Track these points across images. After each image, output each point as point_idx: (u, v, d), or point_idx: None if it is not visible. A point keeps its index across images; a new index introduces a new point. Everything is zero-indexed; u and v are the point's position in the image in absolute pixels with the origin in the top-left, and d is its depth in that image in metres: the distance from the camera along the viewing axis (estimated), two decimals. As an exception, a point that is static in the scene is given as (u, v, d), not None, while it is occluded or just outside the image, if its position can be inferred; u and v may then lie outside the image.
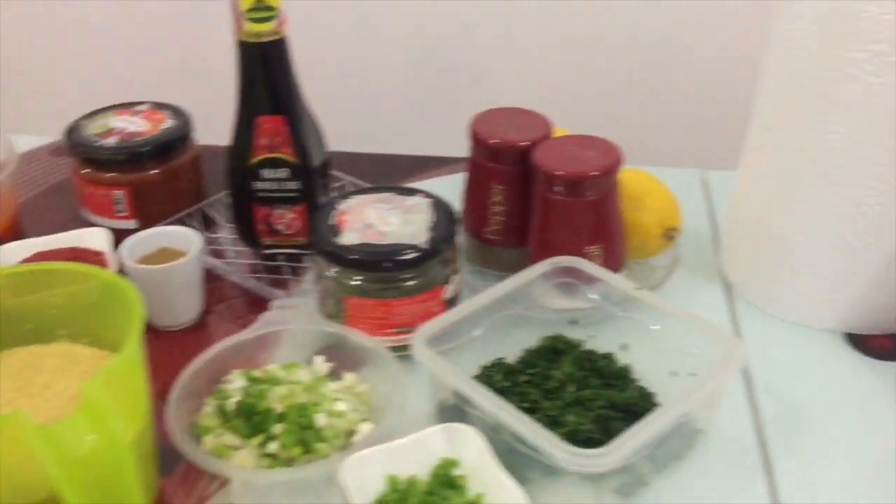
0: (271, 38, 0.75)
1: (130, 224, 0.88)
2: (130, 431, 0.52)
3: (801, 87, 0.70)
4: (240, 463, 0.61)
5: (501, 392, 0.62)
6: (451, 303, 0.74)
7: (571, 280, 0.72)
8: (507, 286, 0.69)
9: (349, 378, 0.69)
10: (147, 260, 0.77)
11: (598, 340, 0.71)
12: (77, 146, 0.86)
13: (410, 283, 0.70)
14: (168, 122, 0.89)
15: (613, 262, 0.74)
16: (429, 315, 0.72)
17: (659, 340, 0.69)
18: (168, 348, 0.75)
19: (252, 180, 0.81)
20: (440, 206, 0.74)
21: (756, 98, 0.77)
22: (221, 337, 0.69)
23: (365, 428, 0.64)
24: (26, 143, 1.06)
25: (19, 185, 0.98)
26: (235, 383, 0.67)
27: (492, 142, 0.76)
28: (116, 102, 0.93)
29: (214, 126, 0.88)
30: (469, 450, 0.60)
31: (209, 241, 0.85)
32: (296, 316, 0.72)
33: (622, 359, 0.69)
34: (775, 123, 0.74)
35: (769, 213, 0.76)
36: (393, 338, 0.72)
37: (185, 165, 0.90)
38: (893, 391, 0.70)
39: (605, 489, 0.60)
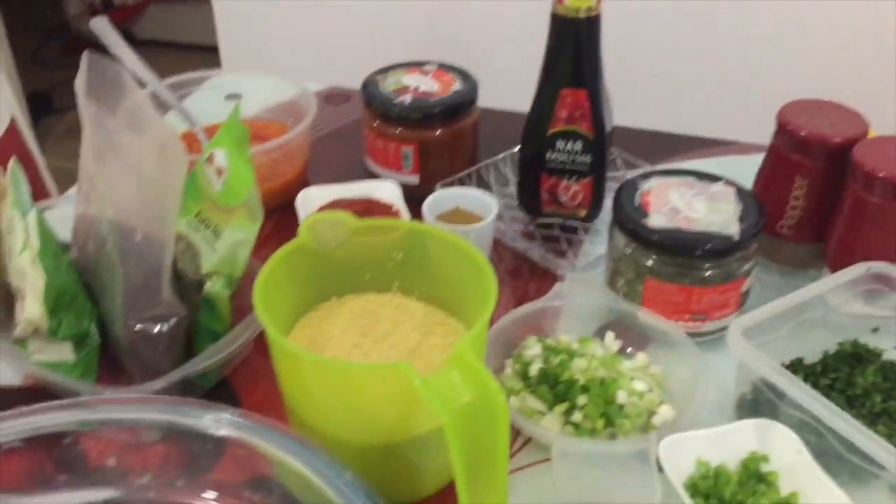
0: (588, 15, 0.76)
1: (413, 179, 0.91)
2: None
3: None
4: (547, 427, 0.64)
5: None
6: (745, 295, 0.73)
7: (881, 287, 0.70)
8: (818, 288, 0.68)
9: (641, 358, 0.70)
10: (442, 218, 0.81)
11: (901, 351, 0.69)
12: (374, 100, 0.90)
13: (714, 272, 0.70)
14: (457, 85, 0.92)
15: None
16: (724, 305, 0.72)
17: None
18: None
19: (545, 150, 0.82)
20: (745, 196, 0.73)
21: None
22: (502, 301, 0.71)
23: (664, 411, 0.65)
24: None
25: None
26: (532, 349, 0.69)
27: (802, 134, 0.74)
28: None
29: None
30: (781, 447, 0.60)
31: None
32: (589, 290, 0.73)
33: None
34: None
35: None
36: (687, 324, 0.72)
37: (468, 127, 0.92)
38: None
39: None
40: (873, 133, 0.77)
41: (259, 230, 0.66)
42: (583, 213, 0.85)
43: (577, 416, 0.64)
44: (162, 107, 0.93)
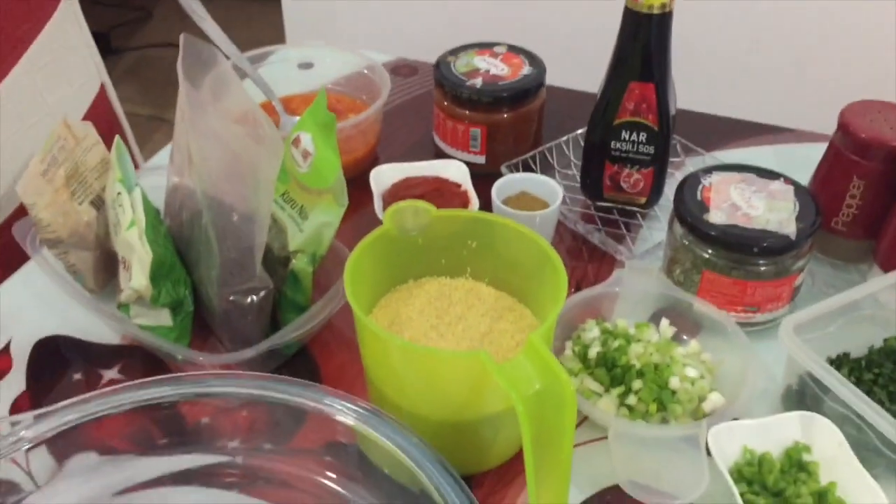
0: (661, 11, 0.79)
1: (480, 159, 0.96)
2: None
3: None
4: (604, 409, 0.68)
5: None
6: (797, 289, 0.77)
7: (930, 288, 0.73)
8: (870, 287, 0.71)
9: (694, 345, 0.74)
10: (509, 202, 0.85)
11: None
12: (445, 82, 0.94)
13: (769, 268, 0.73)
14: (525, 69, 0.95)
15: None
16: (777, 298, 0.76)
17: None
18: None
19: (611, 139, 0.86)
20: (802, 195, 0.76)
21: None
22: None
23: (714, 398, 0.69)
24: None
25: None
26: (591, 332, 0.74)
27: (862, 136, 0.77)
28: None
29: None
30: (823, 439, 0.64)
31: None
32: (647, 277, 0.78)
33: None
34: None
35: None
36: (739, 314, 0.76)
37: (534, 110, 0.96)
38: None
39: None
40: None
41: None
42: (643, 200, 0.89)
43: (631, 400, 0.69)
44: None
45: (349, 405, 0.56)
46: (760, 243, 0.72)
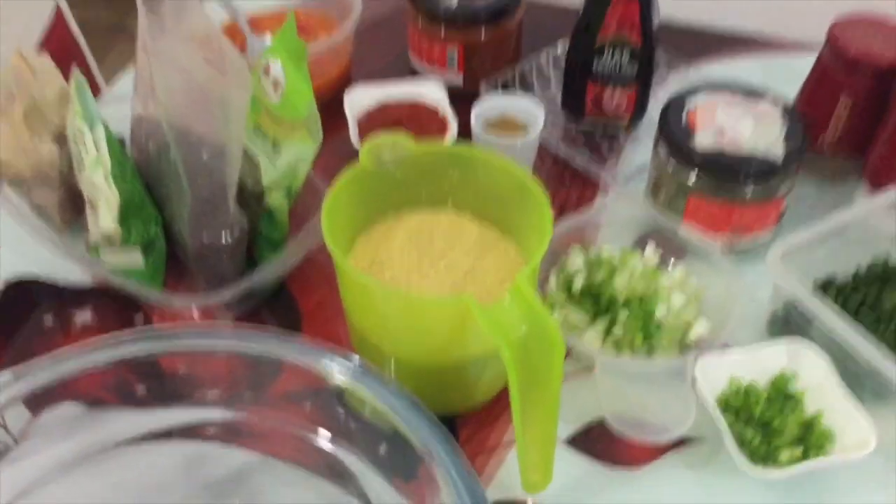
0: (645, -78, 0.75)
1: (458, 79, 0.92)
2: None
3: None
4: (589, 343, 0.68)
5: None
6: (783, 213, 0.75)
7: (917, 208, 0.72)
8: (859, 211, 0.70)
9: (679, 272, 0.73)
10: (488, 128, 0.82)
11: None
12: (421, 1, 0.90)
13: (756, 191, 0.72)
14: (503, -16, 0.91)
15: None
16: (762, 222, 0.74)
17: None
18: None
19: (593, 58, 0.83)
20: (790, 116, 0.74)
21: None
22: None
23: (700, 325, 0.69)
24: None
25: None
26: (575, 263, 0.72)
27: (851, 53, 0.75)
28: None
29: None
30: (810, 367, 0.64)
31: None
32: (632, 203, 0.76)
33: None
34: None
35: None
36: (725, 238, 0.75)
37: (513, 28, 0.92)
38: None
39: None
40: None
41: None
42: (626, 120, 0.87)
43: (617, 331, 0.68)
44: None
45: (327, 356, 0.54)
46: (747, 168, 0.70)
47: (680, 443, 0.64)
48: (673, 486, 0.62)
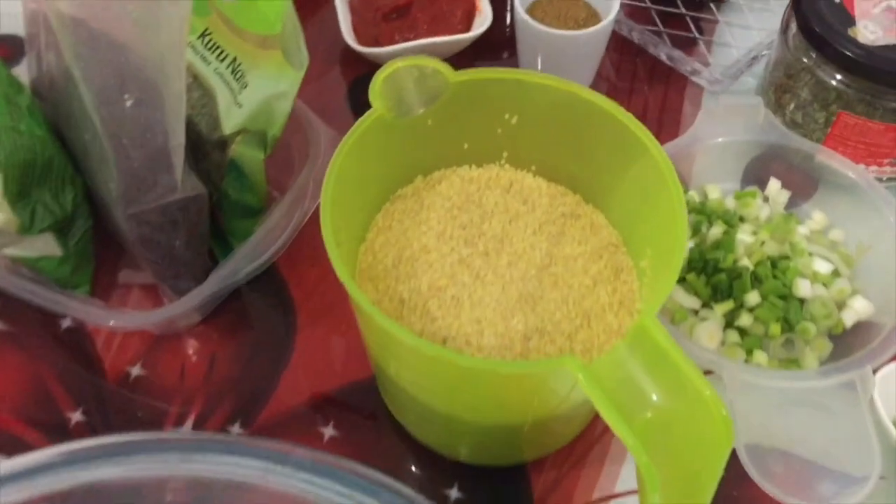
0: None
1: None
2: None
3: None
4: (707, 339, 0.48)
5: None
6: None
7: None
8: None
9: (818, 217, 0.53)
10: (534, 9, 0.58)
11: None
12: None
13: (938, 105, 0.50)
14: None
15: None
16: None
17: None
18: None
19: None
20: None
21: None
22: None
23: (859, 305, 0.49)
24: None
25: None
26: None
27: None
28: None
29: None
30: None
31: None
32: (747, 119, 0.54)
33: None
34: None
35: None
36: (886, 175, 0.53)
37: None
38: None
39: None
40: None
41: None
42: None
43: (744, 320, 0.48)
44: None
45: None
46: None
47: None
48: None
